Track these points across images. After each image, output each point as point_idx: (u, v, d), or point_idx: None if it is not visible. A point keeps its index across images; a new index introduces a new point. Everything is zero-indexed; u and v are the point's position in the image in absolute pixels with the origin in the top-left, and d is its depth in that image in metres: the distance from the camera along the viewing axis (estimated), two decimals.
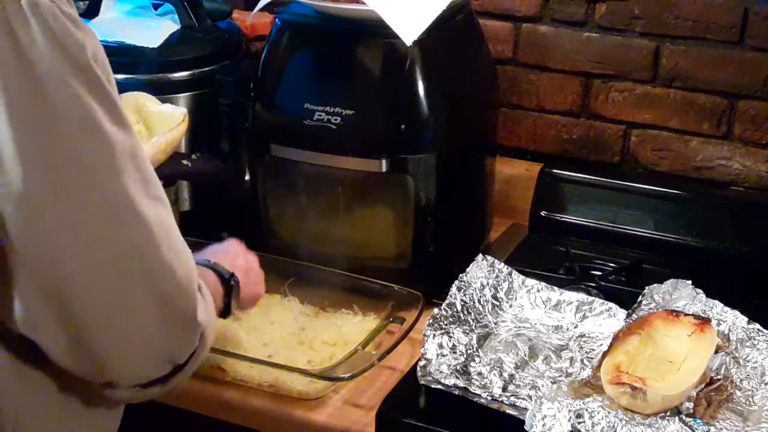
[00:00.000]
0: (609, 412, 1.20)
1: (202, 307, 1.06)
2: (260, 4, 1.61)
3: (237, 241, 1.39)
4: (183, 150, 1.61)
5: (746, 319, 1.40)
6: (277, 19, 1.62)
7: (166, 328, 1.02)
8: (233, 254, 1.34)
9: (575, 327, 1.46)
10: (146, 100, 1.49)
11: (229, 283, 1.27)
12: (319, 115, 1.52)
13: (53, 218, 0.93)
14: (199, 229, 1.48)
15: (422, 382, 1.32)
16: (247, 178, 1.66)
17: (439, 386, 1.30)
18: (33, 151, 0.92)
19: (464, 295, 1.46)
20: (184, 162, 1.51)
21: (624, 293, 1.56)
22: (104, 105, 0.96)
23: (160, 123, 1.46)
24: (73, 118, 0.93)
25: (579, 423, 1.19)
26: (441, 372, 1.31)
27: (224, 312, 1.27)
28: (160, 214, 1.00)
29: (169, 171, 1.45)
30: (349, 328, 1.50)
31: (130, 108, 1.47)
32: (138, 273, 0.98)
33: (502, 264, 1.53)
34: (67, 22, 0.94)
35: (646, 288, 1.47)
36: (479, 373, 1.32)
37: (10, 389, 1.03)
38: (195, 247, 1.18)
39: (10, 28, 0.91)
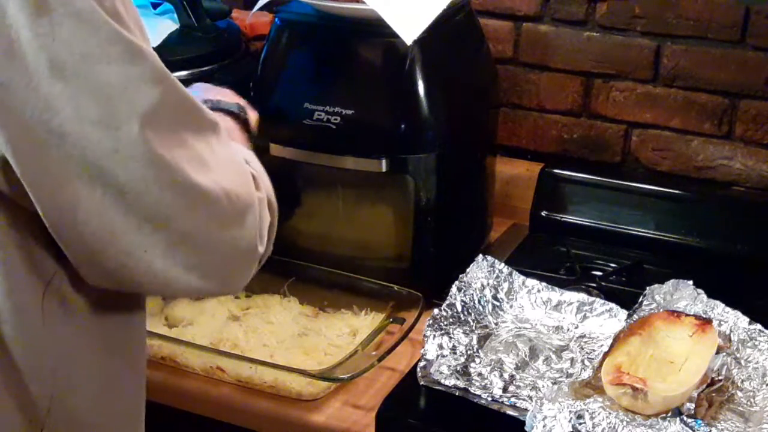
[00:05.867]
0: (610, 413, 1.20)
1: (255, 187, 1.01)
2: (259, 3, 1.60)
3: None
4: None
5: (748, 319, 1.39)
6: (276, 19, 1.62)
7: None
8: (206, 86, 1.33)
9: (576, 327, 1.46)
10: None
11: (241, 116, 1.27)
12: (318, 114, 1.52)
13: None
14: None
15: (422, 383, 1.32)
16: None
17: (440, 387, 1.30)
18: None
19: (464, 295, 1.45)
20: None
21: (625, 293, 1.55)
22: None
23: None
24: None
25: (580, 424, 1.19)
26: (441, 373, 1.31)
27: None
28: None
29: None
30: (348, 329, 1.50)
31: None
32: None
33: (503, 264, 1.52)
34: None
35: (647, 288, 1.46)
36: (479, 374, 1.32)
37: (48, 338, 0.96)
38: None
39: None
